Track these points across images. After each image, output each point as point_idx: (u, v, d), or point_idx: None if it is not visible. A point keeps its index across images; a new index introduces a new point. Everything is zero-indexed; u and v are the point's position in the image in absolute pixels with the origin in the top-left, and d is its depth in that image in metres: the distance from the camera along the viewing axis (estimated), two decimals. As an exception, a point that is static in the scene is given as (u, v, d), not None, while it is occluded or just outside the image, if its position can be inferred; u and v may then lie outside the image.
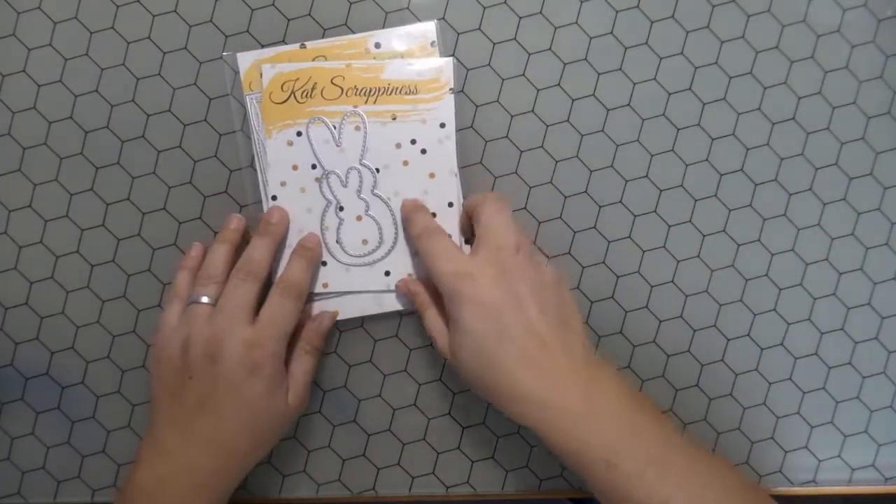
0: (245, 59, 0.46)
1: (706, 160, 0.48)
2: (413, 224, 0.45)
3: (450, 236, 0.44)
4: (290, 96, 0.43)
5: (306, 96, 0.43)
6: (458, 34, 0.47)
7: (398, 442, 0.49)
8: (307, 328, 0.46)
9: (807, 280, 0.49)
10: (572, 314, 0.42)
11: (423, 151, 0.46)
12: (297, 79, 0.43)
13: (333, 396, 0.49)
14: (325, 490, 0.49)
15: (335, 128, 0.45)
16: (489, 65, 0.48)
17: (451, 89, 0.46)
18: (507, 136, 0.48)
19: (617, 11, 0.48)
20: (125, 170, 0.48)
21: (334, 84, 0.45)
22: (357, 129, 0.46)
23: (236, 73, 0.46)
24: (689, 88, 0.48)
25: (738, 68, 0.48)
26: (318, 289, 0.46)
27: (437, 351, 0.44)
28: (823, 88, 0.48)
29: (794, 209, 0.49)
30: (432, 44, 0.46)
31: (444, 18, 0.47)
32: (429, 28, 0.46)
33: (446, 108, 0.46)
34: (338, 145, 0.45)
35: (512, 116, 0.48)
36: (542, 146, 0.48)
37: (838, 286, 0.49)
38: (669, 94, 0.48)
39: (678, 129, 0.48)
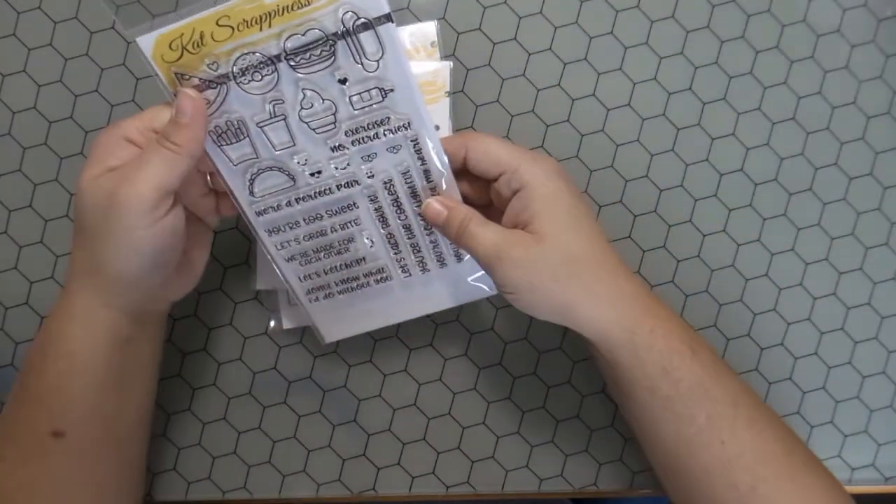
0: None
1: (706, 160, 0.48)
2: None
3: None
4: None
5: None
6: (458, 34, 0.47)
7: (398, 442, 0.49)
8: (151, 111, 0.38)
9: (807, 280, 0.49)
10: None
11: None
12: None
13: (333, 396, 0.49)
14: (325, 490, 0.49)
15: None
16: (489, 65, 0.48)
17: (447, 93, 0.45)
18: (507, 136, 0.48)
19: (617, 11, 0.48)
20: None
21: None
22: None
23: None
24: (689, 88, 0.48)
25: (738, 68, 0.48)
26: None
27: (483, 266, 0.39)
28: (823, 88, 0.48)
29: (794, 209, 0.49)
30: (432, 44, 0.46)
31: (444, 18, 0.47)
32: (429, 28, 0.46)
33: (441, 111, 0.46)
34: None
35: (512, 116, 0.48)
36: (542, 146, 0.48)
37: (838, 286, 0.49)
38: (669, 94, 0.48)
39: (678, 129, 0.48)
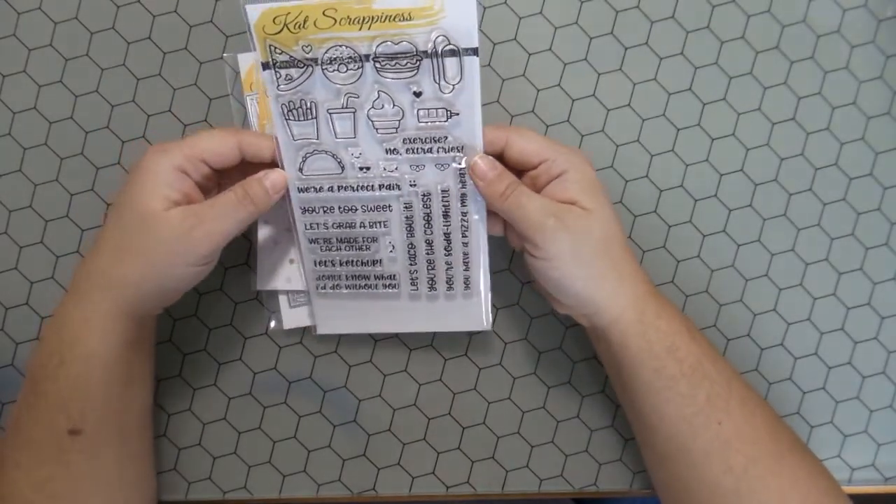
0: (246, 60, 0.46)
1: (706, 160, 0.48)
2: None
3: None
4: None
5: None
6: (459, 34, 0.47)
7: (398, 442, 0.49)
8: (253, 176, 0.42)
9: (807, 280, 0.49)
10: None
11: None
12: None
13: (333, 396, 0.49)
14: (325, 490, 0.49)
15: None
16: (489, 65, 0.48)
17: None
18: (507, 137, 0.48)
19: (617, 11, 0.48)
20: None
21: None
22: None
23: (237, 73, 0.46)
24: (689, 88, 0.48)
25: (738, 68, 0.48)
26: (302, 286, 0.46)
27: (527, 230, 0.40)
28: (823, 88, 0.48)
29: (794, 209, 0.49)
30: None
31: (444, 18, 0.47)
32: None
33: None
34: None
35: (512, 117, 0.48)
36: (542, 146, 0.48)
37: (838, 286, 0.49)
38: (669, 94, 0.48)
39: (678, 129, 0.48)
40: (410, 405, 0.49)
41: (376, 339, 0.49)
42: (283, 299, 0.47)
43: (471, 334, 0.49)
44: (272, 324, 0.48)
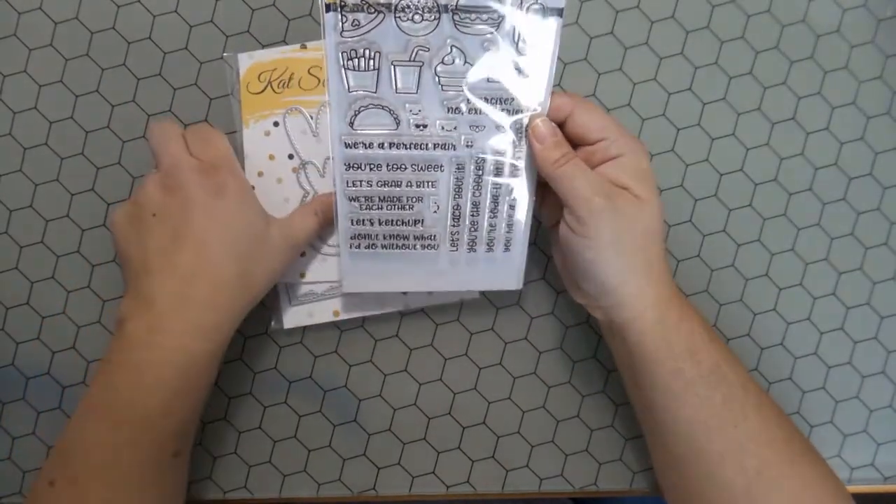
0: (245, 60, 0.46)
1: (706, 160, 0.48)
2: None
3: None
4: (266, 86, 0.42)
5: (283, 86, 0.42)
6: (459, 34, 0.47)
7: (398, 442, 0.49)
8: (319, 196, 0.45)
9: (807, 280, 0.49)
10: None
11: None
12: (275, 69, 0.42)
13: (333, 396, 0.49)
14: (325, 490, 0.49)
15: (312, 118, 0.45)
16: (489, 65, 0.48)
17: None
18: (507, 136, 0.48)
19: (617, 11, 0.48)
20: (125, 170, 0.48)
21: (312, 74, 0.43)
22: None
23: (237, 73, 0.46)
24: (689, 88, 0.48)
25: (738, 68, 0.48)
26: (296, 279, 0.46)
27: (575, 204, 0.39)
28: (823, 88, 0.48)
29: (794, 209, 0.49)
30: None
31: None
32: None
33: None
34: (315, 135, 0.45)
35: (512, 116, 0.48)
36: (542, 146, 0.48)
37: (838, 286, 0.49)
38: (669, 94, 0.48)
39: (678, 129, 0.48)
40: (410, 405, 0.49)
41: (376, 339, 0.49)
42: (283, 299, 0.47)
43: (471, 333, 0.49)
44: (272, 324, 0.48)
